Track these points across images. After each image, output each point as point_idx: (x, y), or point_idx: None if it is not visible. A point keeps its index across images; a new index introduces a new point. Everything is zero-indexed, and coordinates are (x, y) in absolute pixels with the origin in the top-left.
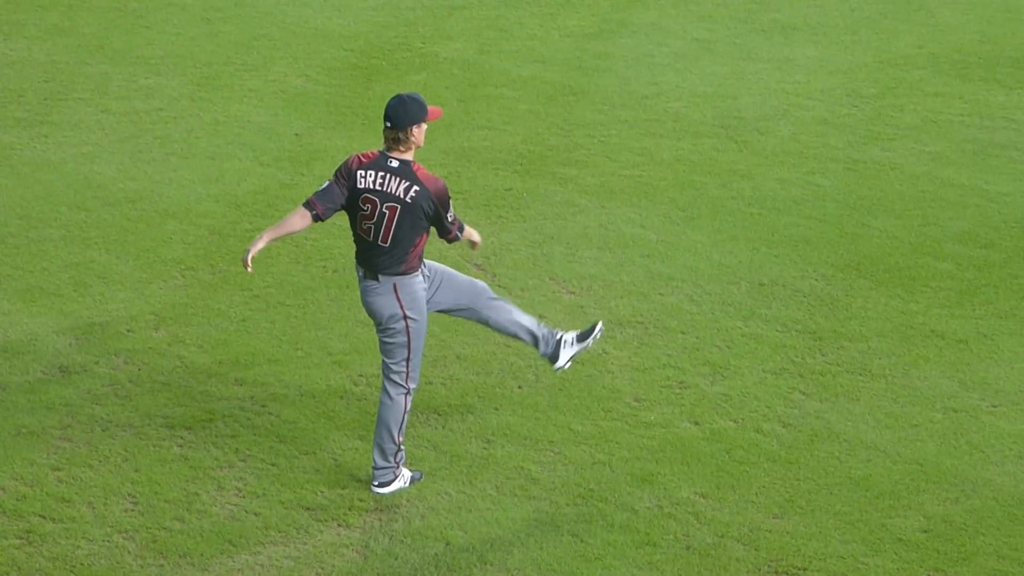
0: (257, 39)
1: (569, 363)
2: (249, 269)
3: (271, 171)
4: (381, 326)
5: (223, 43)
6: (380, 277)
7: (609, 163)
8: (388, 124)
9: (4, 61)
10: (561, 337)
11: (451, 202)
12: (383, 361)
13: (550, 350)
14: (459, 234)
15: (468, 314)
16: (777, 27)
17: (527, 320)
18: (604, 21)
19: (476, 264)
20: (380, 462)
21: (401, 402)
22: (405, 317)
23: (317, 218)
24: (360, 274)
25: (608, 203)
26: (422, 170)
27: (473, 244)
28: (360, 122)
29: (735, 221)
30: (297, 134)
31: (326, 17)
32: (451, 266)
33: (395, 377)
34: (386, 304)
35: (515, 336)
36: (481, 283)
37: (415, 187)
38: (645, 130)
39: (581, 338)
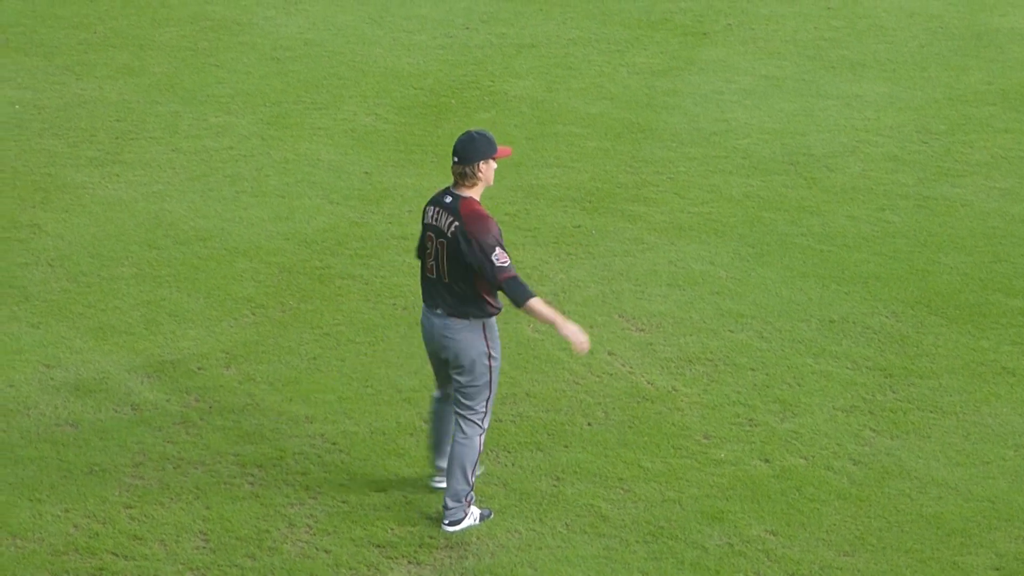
0: (327, 78)
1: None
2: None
3: (341, 209)
4: (463, 368)
5: (292, 82)
6: (471, 318)
7: (678, 200)
8: (456, 159)
9: (76, 101)
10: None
11: (499, 247)
12: (459, 402)
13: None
14: (510, 286)
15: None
16: (846, 64)
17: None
18: (672, 58)
19: (545, 302)
20: (452, 503)
21: (476, 443)
22: (490, 357)
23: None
24: (436, 312)
25: (677, 240)
26: (469, 205)
27: (569, 342)
28: (430, 160)
29: (805, 258)
30: (367, 172)
31: (395, 56)
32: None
33: (472, 417)
34: (474, 344)
35: (440, 450)
36: None
37: (456, 222)
38: (714, 167)
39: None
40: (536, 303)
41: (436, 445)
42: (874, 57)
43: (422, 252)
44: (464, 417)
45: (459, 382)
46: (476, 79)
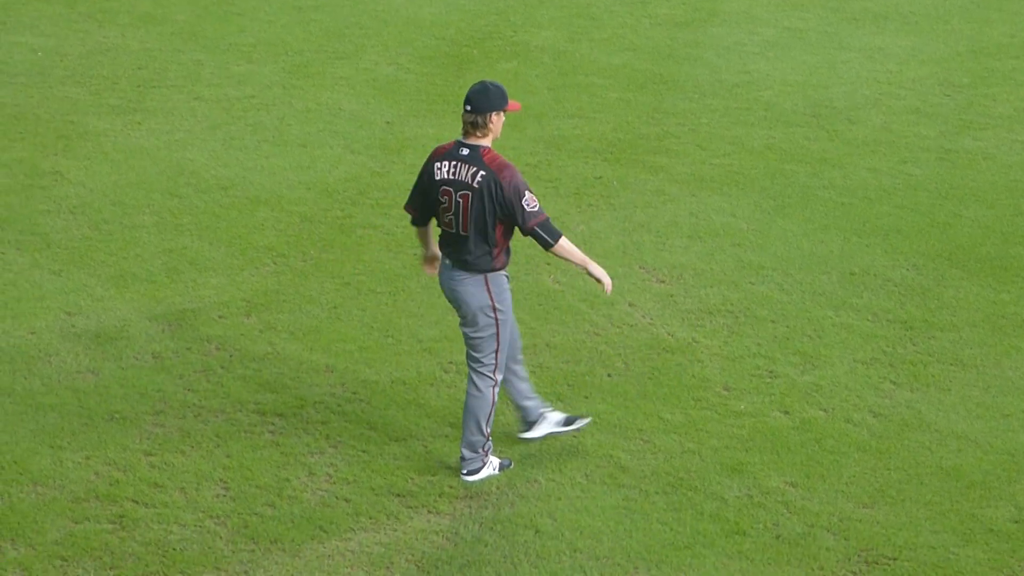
0: (348, 27)
1: (540, 439)
2: (430, 274)
3: (362, 159)
4: (468, 318)
5: (315, 31)
6: (472, 271)
7: (699, 152)
8: (468, 108)
9: (98, 49)
10: (547, 412)
11: (528, 191)
12: (469, 354)
13: (531, 420)
14: (541, 231)
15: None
16: (869, 16)
17: (530, 393)
18: (695, 10)
19: None
20: (468, 454)
21: (489, 395)
22: (495, 309)
23: (415, 221)
24: (447, 263)
25: (698, 192)
26: (490, 154)
27: (598, 282)
28: (451, 110)
29: (826, 210)
30: (388, 122)
31: (417, 6)
32: (541, 253)
33: (483, 370)
34: (475, 295)
35: (513, 401)
36: (520, 342)
37: (481, 172)
38: (736, 119)
39: (566, 423)
40: (565, 243)
41: (512, 402)
42: (897, 9)
43: (429, 208)
44: (475, 370)
45: (465, 333)
46: (498, 29)
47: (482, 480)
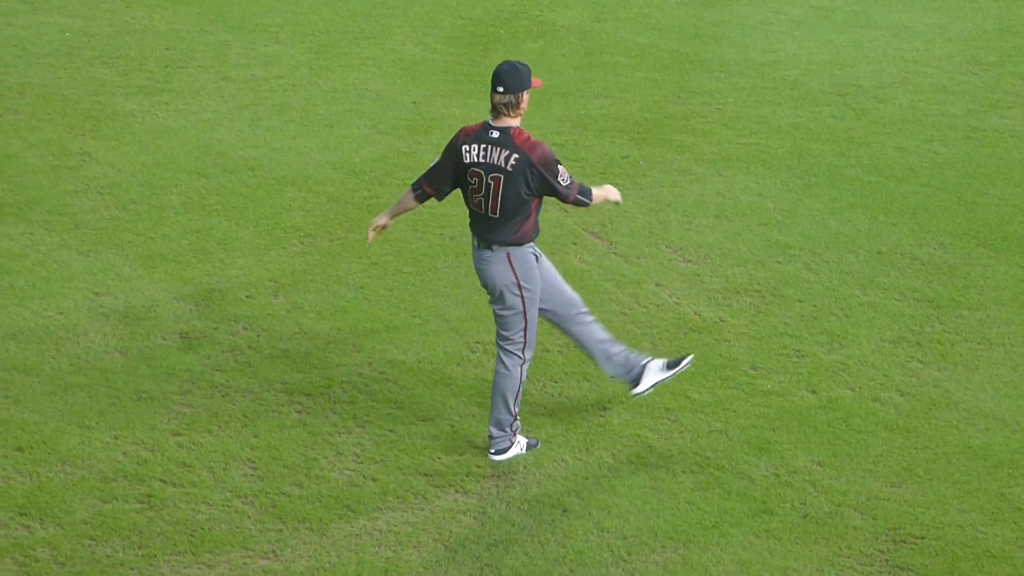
0: (375, 7)
1: (650, 390)
2: (369, 242)
3: (389, 139)
4: (495, 296)
5: (341, 11)
6: (493, 247)
7: (726, 131)
8: (500, 89)
9: (126, 29)
10: (648, 363)
11: (559, 164)
12: (498, 332)
13: (634, 374)
14: (580, 197)
15: (552, 317)
16: None
17: (614, 347)
18: None
19: (592, 232)
20: (496, 432)
21: (517, 373)
22: (520, 287)
23: (425, 196)
24: (474, 243)
25: (725, 171)
26: (521, 135)
27: (615, 203)
28: (477, 90)
29: (853, 189)
30: (414, 102)
31: None
32: (568, 233)
33: (511, 348)
34: (500, 273)
35: (593, 357)
36: (577, 296)
37: (515, 155)
38: (762, 98)
39: (669, 366)
40: (599, 195)
41: (592, 358)
42: None
43: (449, 188)
44: (503, 348)
45: (494, 311)
46: (524, 9)
47: (509, 460)
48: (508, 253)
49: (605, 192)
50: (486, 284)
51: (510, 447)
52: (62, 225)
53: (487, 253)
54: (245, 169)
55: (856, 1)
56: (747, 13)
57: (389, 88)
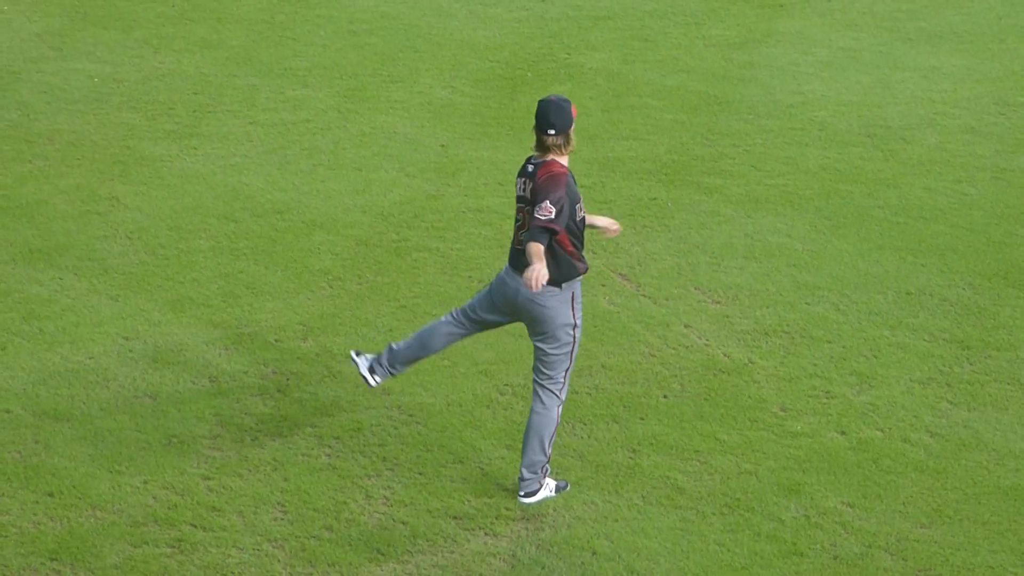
0: (402, 51)
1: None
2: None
3: (417, 182)
4: (547, 335)
5: (369, 55)
6: (563, 285)
7: (754, 172)
8: (551, 132)
9: (154, 74)
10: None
11: (552, 200)
12: (539, 371)
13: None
14: (534, 231)
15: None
16: (923, 35)
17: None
18: (749, 31)
19: (621, 274)
20: (527, 474)
21: (554, 414)
22: (575, 327)
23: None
24: (518, 276)
25: (753, 212)
26: (548, 167)
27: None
28: (506, 133)
29: (881, 230)
30: (443, 145)
31: (471, 29)
32: (596, 275)
33: (552, 387)
34: (562, 314)
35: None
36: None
37: (530, 183)
38: (790, 139)
39: (556, 489)
40: (536, 250)
41: (415, 347)
42: (951, 29)
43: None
44: (543, 386)
45: (540, 348)
46: (552, 51)
47: (539, 502)
48: (573, 293)
49: (535, 258)
50: (539, 322)
51: (540, 489)
52: (91, 270)
53: (553, 290)
54: (273, 213)
55: (884, 43)
56: (775, 55)
57: (417, 131)
